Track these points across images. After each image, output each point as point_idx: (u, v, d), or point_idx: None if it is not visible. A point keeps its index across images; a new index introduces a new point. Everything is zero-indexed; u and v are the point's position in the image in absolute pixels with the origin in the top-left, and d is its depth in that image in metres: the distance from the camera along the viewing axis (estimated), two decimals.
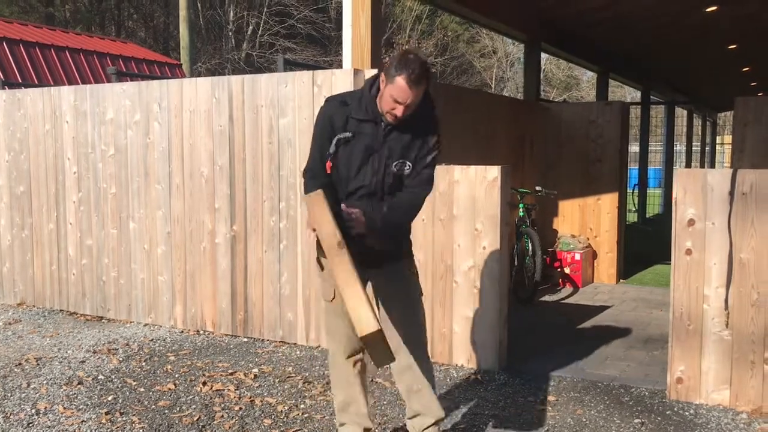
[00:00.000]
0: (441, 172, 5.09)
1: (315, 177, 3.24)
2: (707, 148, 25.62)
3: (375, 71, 3.75)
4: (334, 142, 3.18)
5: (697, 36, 9.68)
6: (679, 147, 22.04)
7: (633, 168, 17.64)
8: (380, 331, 2.79)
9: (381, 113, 3.17)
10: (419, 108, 3.17)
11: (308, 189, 3.21)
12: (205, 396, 4.52)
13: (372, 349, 2.89)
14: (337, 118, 3.20)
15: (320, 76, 5.46)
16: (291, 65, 7.80)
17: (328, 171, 3.21)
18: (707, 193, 4.26)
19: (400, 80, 3.02)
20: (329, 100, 3.31)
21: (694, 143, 22.67)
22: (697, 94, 19.33)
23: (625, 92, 35.65)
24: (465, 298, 5.06)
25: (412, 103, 3.08)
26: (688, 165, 21.27)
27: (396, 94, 3.05)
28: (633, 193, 15.39)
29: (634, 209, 15.19)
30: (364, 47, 5.36)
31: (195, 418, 4.16)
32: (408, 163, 3.19)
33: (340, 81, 5.31)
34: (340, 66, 5.58)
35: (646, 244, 10.76)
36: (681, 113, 20.63)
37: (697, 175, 4.30)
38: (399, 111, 3.08)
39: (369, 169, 3.19)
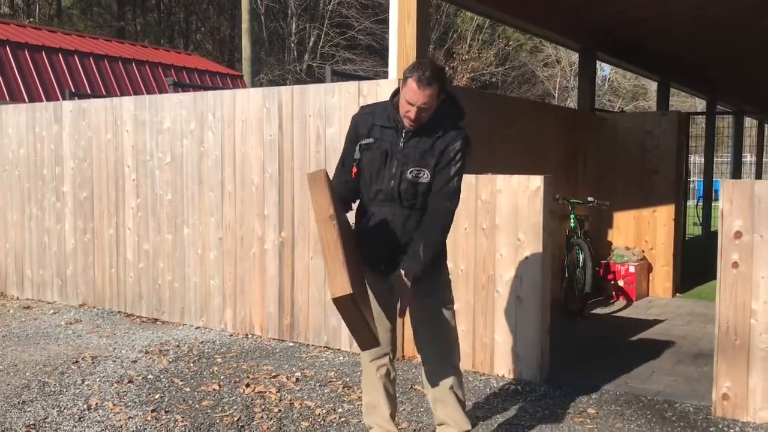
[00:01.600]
0: (483, 181, 5.10)
1: (337, 175, 3.47)
2: None
3: None
4: (357, 147, 3.30)
5: (764, 44, 9.37)
6: (750, 158, 21.26)
7: (700, 180, 17.13)
8: (351, 297, 2.76)
9: (401, 120, 3.23)
10: (442, 116, 3.22)
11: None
12: (247, 397, 4.64)
13: (348, 321, 2.91)
14: (362, 125, 3.34)
15: (366, 87, 5.56)
16: (338, 76, 7.93)
17: (353, 176, 3.35)
18: (755, 205, 4.14)
19: (411, 82, 3.11)
20: (361, 109, 3.47)
21: (765, 155, 21.80)
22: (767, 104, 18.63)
23: (695, 102, 34.61)
24: (507, 308, 5.04)
25: (425, 105, 3.13)
26: (758, 177, 20.50)
27: (408, 96, 3.13)
28: (697, 205, 14.95)
29: (698, 222, 14.74)
30: (409, 57, 5.39)
31: (235, 419, 4.27)
32: (425, 171, 3.22)
33: (385, 91, 5.39)
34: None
35: (706, 258, 10.42)
36: (751, 123, 19.92)
37: (744, 187, 4.19)
38: (412, 113, 3.15)
39: (386, 174, 3.26)
